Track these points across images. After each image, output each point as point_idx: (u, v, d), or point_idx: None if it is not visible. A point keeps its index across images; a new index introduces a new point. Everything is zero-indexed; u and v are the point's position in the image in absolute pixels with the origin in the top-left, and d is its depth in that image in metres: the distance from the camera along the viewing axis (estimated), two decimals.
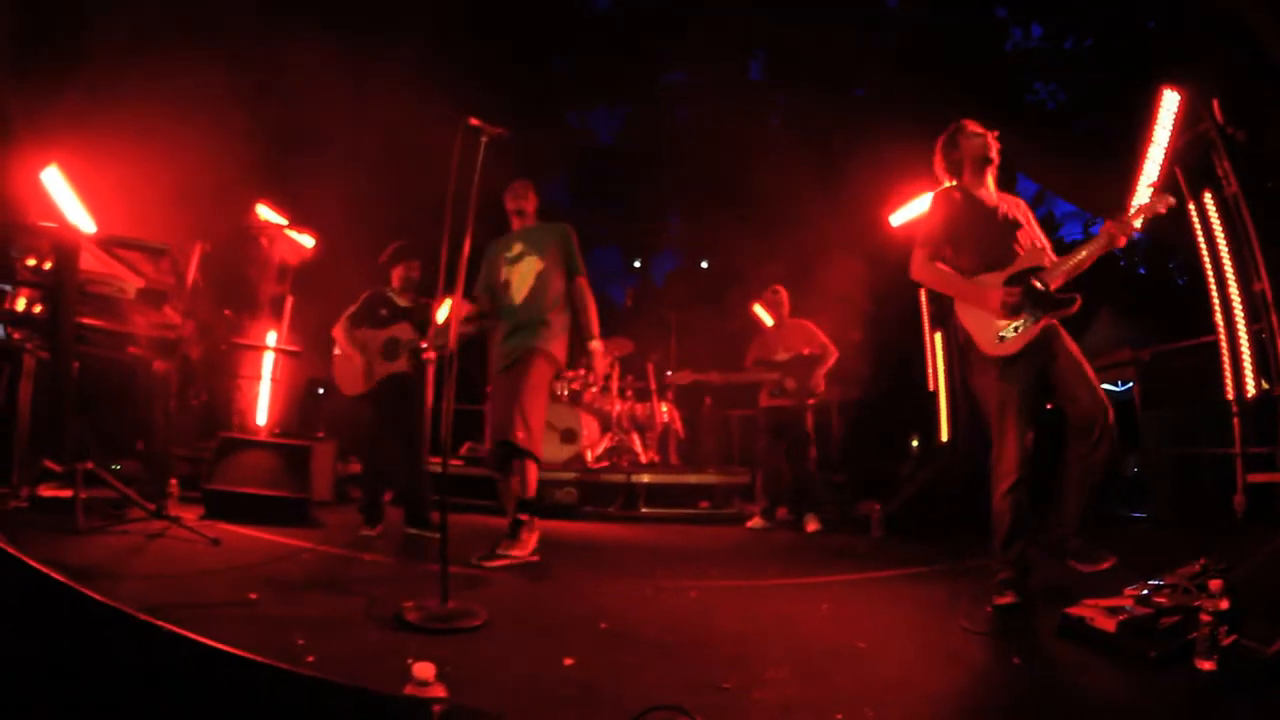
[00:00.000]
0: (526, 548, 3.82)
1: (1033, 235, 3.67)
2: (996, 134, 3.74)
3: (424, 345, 5.28)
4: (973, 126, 3.75)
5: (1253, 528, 5.30)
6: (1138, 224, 3.43)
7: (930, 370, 8.95)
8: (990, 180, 3.73)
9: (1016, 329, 3.43)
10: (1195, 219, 6.13)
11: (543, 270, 4.50)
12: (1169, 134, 6.27)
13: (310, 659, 2.30)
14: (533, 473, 4.16)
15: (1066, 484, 3.56)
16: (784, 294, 7.16)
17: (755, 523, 6.69)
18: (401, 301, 5.52)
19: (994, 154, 3.70)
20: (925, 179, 7.80)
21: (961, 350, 3.74)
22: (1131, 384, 7.27)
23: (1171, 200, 3.42)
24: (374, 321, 5.43)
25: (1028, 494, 3.42)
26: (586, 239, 4.39)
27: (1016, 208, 3.72)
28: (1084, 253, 3.47)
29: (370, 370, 5.37)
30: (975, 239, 3.61)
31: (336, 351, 5.56)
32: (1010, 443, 3.43)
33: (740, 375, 7.22)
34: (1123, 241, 3.48)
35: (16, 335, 4.42)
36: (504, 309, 4.55)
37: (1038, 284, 3.44)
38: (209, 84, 7.20)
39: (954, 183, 3.79)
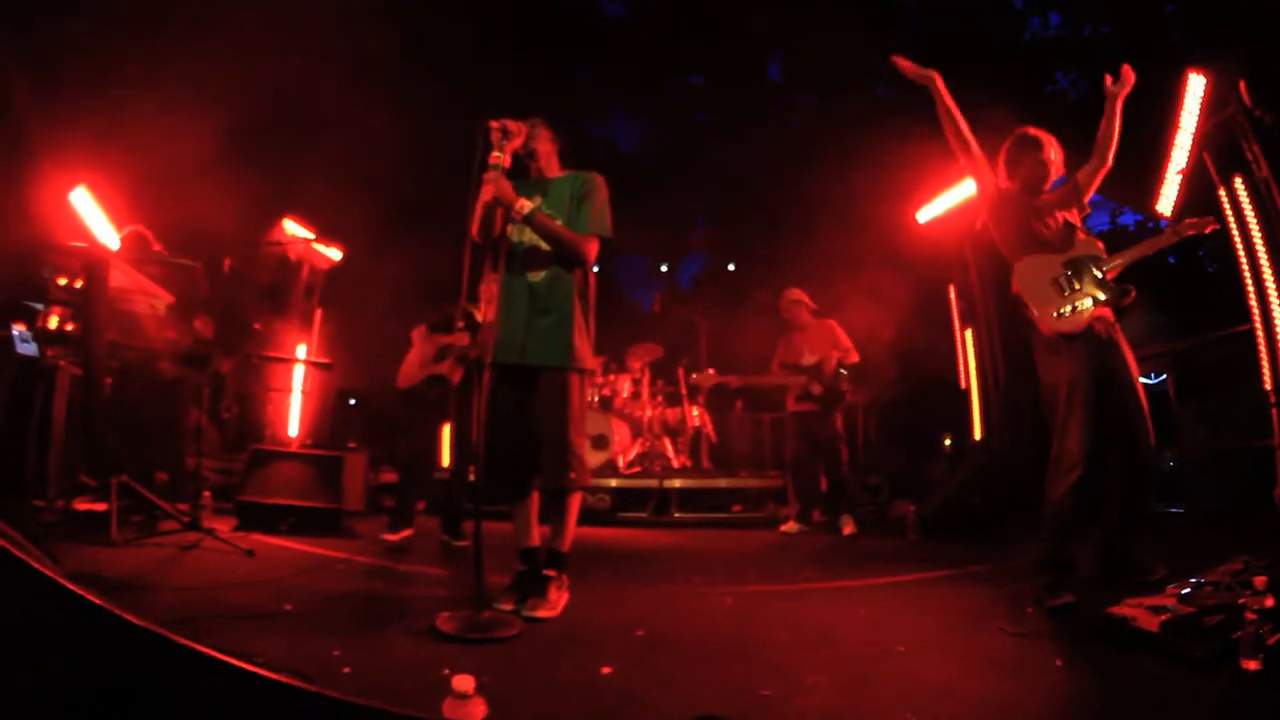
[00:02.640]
0: (556, 608, 3.23)
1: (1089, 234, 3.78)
2: (1059, 148, 3.88)
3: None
4: (1034, 134, 3.87)
5: None
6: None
7: (962, 368, 8.88)
8: (1047, 194, 3.86)
9: (1075, 309, 3.53)
10: (1226, 205, 6.03)
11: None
12: (1196, 119, 6.19)
13: (346, 670, 2.31)
14: (574, 514, 3.45)
15: (1107, 515, 3.73)
16: (803, 296, 7.05)
17: (789, 526, 6.63)
18: (480, 316, 5.55)
19: (1050, 169, 3.84)
20: (951, 175, 7.80)
21: (1028, 341, 3.80)
22: (1166, 376, 7.16)
23: (1216, 225, 3.66)
24: (447, 329, 5.50)
25: (1087, 493, 3.41)
26: (614, 244, 3.54)
27: (1071, 213, 3.82)
28: (1137, 251, 3.70)
29: (422, 368, 5.48)
30: (1029, 235, 3.73)
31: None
32: (1074, 432, 3.44)
33: (764, 378, 7.19)
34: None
35: (50, 352, 4.50)
36: (515, 285, 3.48)
37: (1095, 269, 3.58)
38: (235, 99, 7.29)
39: (1012, 185, 3.90)
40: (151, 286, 4.74)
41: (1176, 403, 6.83)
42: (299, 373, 8.22)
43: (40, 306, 4.38)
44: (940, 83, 3.78)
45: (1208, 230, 3.68)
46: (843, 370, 6.66)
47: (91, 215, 6.21)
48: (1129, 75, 3.75)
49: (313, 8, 6.94)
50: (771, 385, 7.17)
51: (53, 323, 4.29)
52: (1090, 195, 3.84)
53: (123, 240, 5.59)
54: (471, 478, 5.49)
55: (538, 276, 3.44)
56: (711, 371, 7.46)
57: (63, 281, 4.29)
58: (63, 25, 6.41)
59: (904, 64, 3.82)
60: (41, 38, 6.12)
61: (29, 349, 4.57)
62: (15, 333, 4.64)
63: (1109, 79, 3.77)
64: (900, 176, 8.58)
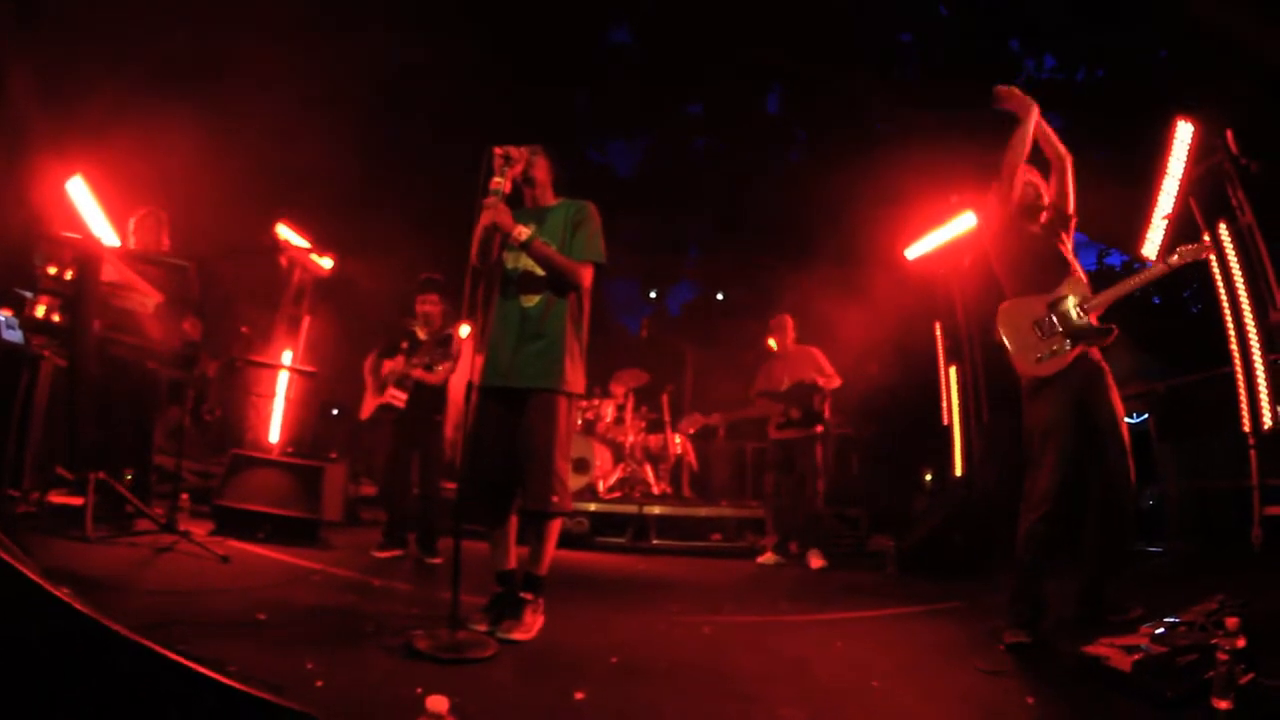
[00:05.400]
0: (530, 631, 3.20)
1: (1079, 270, 3.80)
2: (1036, 171, 3.92)
3: (426, 363, 5.32)
4: (1027, 175, 3.90)
5: (1271, 561, 5.23)
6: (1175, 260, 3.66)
7: (945, 404, 8.91)
8: (1041, 220, 3.90)
9: (1053, 352, 3.58)
10: (1212, 250, 6.10)
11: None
12: (1183, 165, 6.28)
13: (319, 684, 2.29)
14: (554, 538, 3.45)
15: (1084, 554, 3.72)
16: (789, 322, 7.08)
17: (766, 558, 6.54)
18: (421, 335, 5.55)
19: (1044, 202, 3.89)
20: (940, 213, 7.89)
21: (1018, 382, 3.82)
22: (1147, 416, 7.22)
23: (1212, 250, 3.63)
24: (393, 354, 5.50)
25: (1056, 529, 3.43)
26: (604, 269, 3.56)
27: (1064, 245, 3.84)
28: (1124, 286, 3.70)
29: (373, 398, 5.51)
30: (1025, 266, 3.80)
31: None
32: (1045, 472, 3.49)
33: (745, 411, 7.20)
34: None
35: (35, 341, 4.46)
36: (508, 310, 3.49)
37: (1078, 312, 3.61)
38: (233, 103, 7.31)
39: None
40: (142, 284, 4.72)
41: (1157, 442, 6.87)
42: (283, 379, 8.18)
43: (28, 294, 4.34)
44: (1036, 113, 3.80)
45: (1204, 256, 3.67)
46: (817, 390, 6.62)
47: (87, 206, 6.19)
48: (1002, 94, 3.81)
49: (319, 20, 6.98)
50: (754, 417, 7.17)
51: (40, 311, 4.25)
52: (1071, 201, 3.83)
53: (137, 221, 5.53)
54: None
55: (531, 302, 3.44)
56: (697, 415, 7.48)
57: (52, 271, 4.24)
58: (65, 17, 6.39)
59: (1004, 91, 3.83)
60: (42, 27, 6.10)
61: (14, 336, 4.53)
62: (1, 318, 4.60)
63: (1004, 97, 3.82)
64: (891, 213, 8.67)
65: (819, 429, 6.68)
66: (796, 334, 7.10)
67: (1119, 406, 3.63)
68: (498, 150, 3.35)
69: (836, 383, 6.76)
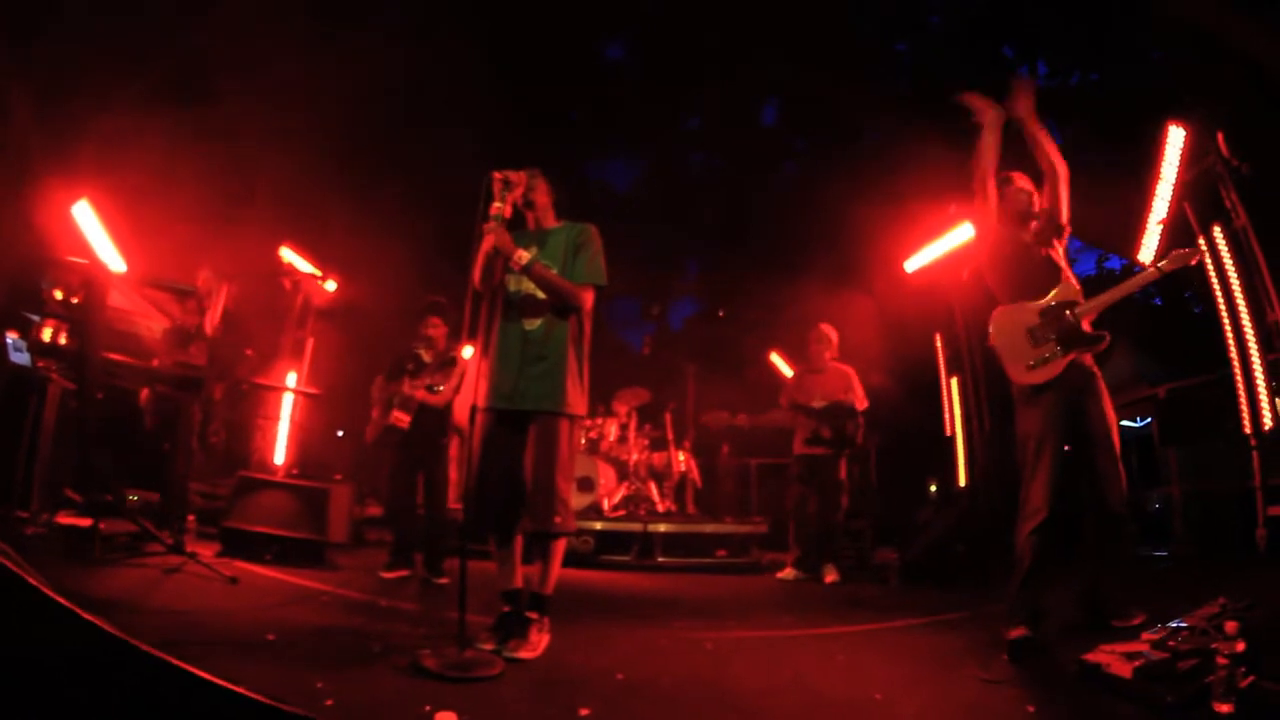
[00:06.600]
0: (536, 650, 3.23)
1: (1071, 276, 3.81)
2: (1026, 177, 3.95)
3: (430, 385, 5.36)
4: (1020, 182, 3.94)
5: (1276, 561, 5.23)
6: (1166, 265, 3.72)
7: (947, 415, 8.92)
8: (1032, 227, 3.91)
9: (1045, 359, 3.58)
10: (1206, 253, 6.12)
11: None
12: (1176, 169, 6.30)
13: (329, 703, 2.32)
14: (558, 558, 3.47)
15: (1082, 560, 3.81)
16: (834, 336, 6.92)
17: (787, 573, 6.52)
18: (426, 357, 5.59)
19: (1036, 208, 3.90)
20: (938, 226, 7.92)
21: (1011, 390, 3.83)
22: (1150, 419, 7.23)
23: (1203, 254, 3.64)
24: (398, 376, 5.53)
25: (1052, 537, 3.44)
26: (606, 286, 3.58)
27: (1055, 251, 3.85)
28: (1117, 292, 3.72)
29: (380, 420, 5.52)
30: (1017, 275, 3.81)
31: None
32: (1040, 478, 3.50)
33: (770, 417, 7.14)
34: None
35: (41, 363, 4.52)
36: (510, 332, 3.52)
37: (1070, 316, 3.61)
38: (237, 127, 7.37)
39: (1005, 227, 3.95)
40: (150, 309, 4.78)
41: (1160, 446, 6.87)
42: (288, 401, 8.22)
43: (35, 318, 4.40)
44: (1000, 125, 3.84)
45: (1193, 262, 3.69)
46: (853, 415, 6.59)
47: (93, 231, 6.23)
48: (969, 104, 3.86)
49: (315, 44, 7.04)
50: (781, 424, 7.11)
51: (46, 335, 4.32)
52: (1064, 212, 3.82)
53: (201, 281, 5.63)
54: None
55: (533, 324, 3.48)
56: (724, 413, 7.40)
57: (59, 295, 4.31)
58: (67, 43, 6.46)
59: (975, 100, 3.89)
60: (42, 50, 6.16)
61: (21, 358, 4.58)
62: (9, 340, 4.65)
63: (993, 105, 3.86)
64: (890, 224, 8.69)
65: (847, 450, 6.68)
66: (835, 350, 6.94)
67: (1110, 414, 3.64)
68: (497, 175, 3.40)
69: (863, 404, 6.72)
